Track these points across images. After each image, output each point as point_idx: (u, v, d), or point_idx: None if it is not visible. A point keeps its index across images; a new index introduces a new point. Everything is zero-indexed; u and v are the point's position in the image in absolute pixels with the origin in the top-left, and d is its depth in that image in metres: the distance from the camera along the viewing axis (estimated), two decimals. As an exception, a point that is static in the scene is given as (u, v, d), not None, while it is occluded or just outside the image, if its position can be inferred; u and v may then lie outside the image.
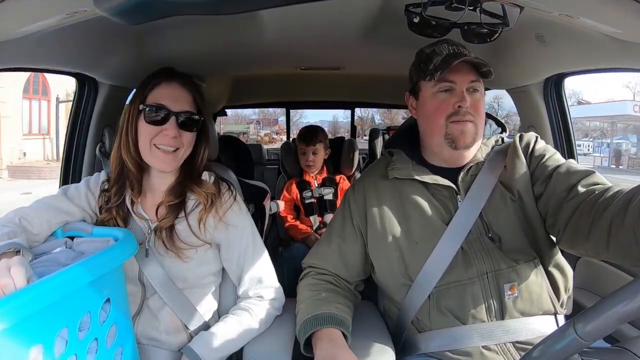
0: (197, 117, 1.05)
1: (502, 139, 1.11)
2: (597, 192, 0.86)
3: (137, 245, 0.92)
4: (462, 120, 0.99)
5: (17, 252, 0.82)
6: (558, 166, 0.97)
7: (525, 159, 1.02)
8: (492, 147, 1.09)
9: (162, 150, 1.01)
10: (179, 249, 1.01)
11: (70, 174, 1.50)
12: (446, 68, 0.97)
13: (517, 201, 0.99)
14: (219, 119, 3.94)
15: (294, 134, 3.59)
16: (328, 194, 2.39)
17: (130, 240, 0.90)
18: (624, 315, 0.53)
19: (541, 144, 1.05)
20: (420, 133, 1.11)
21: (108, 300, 0.82)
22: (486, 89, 1.83)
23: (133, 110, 1.03)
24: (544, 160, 1.00)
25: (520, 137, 1.07)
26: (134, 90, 1.11)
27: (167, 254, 1.02)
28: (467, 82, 1.00)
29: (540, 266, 0.97)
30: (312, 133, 2.40)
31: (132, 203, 1.06)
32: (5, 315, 0.59)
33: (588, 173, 0.93)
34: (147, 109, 1.01)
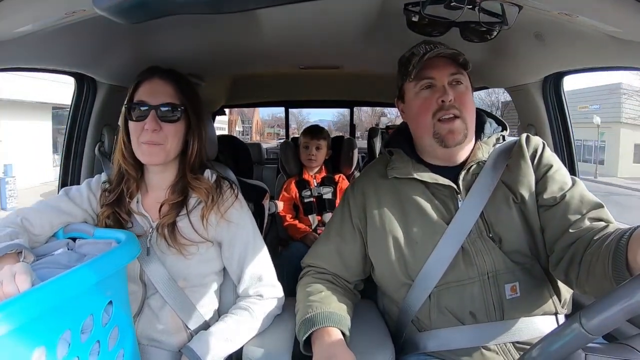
0: (177, 108, 1.04)
1: (503, 137, 1.10)
2: (596, 229, 0.87)
3: (140, 247, 0.92)
4: (448, 116, 0.98)
5: (19, 253, 0.82)
6: (570, 188, 0.97)
7: (532, 165, 1.01)
8: (494, 146, 1.08)
9: (147, 144, 1.02)
10: (181, 245, 1.02)
11: (69, 173, 1.50)
12: (419, 65, 0.98)
13: (519, 203, 0.99)
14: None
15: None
16: (327, 193, 2.40)
17: (133, 242, 0.90)
18: (631, 309, 0.53)
19: (548, 152, 1.04)
20: (412, 135, 1.11)
21: (110, 302, 0.82)
22: (485, 87, 1.86)
23: (124, 112, 1.06)
24: (551, 172, 0.99)
25: (527, 139, 1.06)
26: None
27: (169, 250, 1.02)
28: (447, 75, 1.00)
29: (542, 266, 0.97)
30: (317, 129, 2.47)
31: (131, 201, 1.06)
32: (9, 317, 0.59)
33: (598, 206, 0.93)
34: (130, 107, 1.03)
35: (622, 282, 0.55)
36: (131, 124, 1.03)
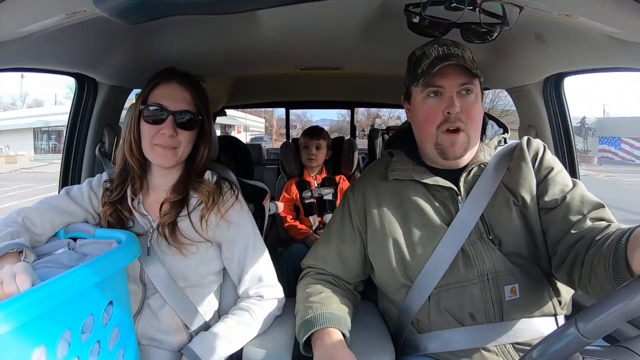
0: (195, 116, 1.05)
1: (505, 139, 1.10)
2: (598, 229, 0.87)
3: (140, 248, 0.92)
4: (452, 128, 0.97)
5: (20, 253, 0.82)
6: (571, 189, 0.96)
7: (533, 168, 1.01)
8: (495, 148, 1.07)
9: (161, 146, 1.02)
10: (182, 244, 1.02)
11: (69, 174, 1.50)
12: (429, 73, 0.95)
13: (519, 205, 0.98)
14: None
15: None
16: (328, 194, 2.40)
17: (134, 242, 0.91)
18: (626, 314, 0.53)
19: (549, 155, 1.03)
20: (415, 137, 1.09)
21: (111, 302, 0.82)
22: (486, 89, 1.85)
23: (135, 111, 1.05)
24: (552, 174, 0.99)
25: (528, 142, 1.05)
26: (134, 91, 1.11)
27: (170, 250, 1.02)
28: (457, 85, 0.97)
29: (541, 269, 0.97)
30: (317, 129, 2.49)
31: (133, 200, 1.06)
32: (10, 316, 0.59)
33: (598, 206, 0.93)
34: (146, 108, 1.03)
35: (623, 283, 0.56)
36: (145, 126, 1.03)
